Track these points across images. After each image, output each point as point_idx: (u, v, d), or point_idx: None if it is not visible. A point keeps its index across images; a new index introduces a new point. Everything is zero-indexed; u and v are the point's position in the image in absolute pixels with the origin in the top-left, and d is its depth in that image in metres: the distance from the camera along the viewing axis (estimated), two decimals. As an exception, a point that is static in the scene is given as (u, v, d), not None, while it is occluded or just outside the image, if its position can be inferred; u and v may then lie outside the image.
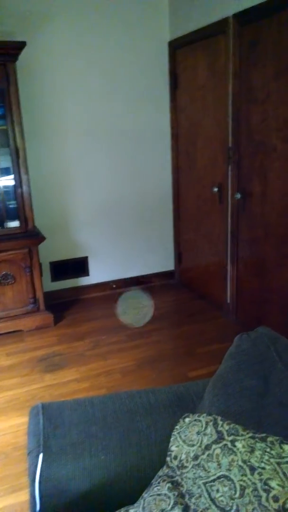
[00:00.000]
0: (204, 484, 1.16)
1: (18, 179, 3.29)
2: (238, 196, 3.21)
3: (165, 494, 1.21)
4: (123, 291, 4.23)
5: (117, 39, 3.73)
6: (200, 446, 1.23)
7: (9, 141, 3.21)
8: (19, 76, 3.16)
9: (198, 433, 1.27)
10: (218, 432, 1.22)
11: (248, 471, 1.09)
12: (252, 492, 1.05)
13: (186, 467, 1.24)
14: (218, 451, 1.17)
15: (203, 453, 1.21)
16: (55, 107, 3.67)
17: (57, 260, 4.00)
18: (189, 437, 1.29)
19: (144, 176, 4.12)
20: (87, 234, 4.04)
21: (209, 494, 1.14)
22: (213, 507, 1.11)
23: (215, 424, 1.24)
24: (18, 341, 3.36)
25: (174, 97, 3.96)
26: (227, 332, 3.37)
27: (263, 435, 1.15)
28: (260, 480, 1.06)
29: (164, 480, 1.26)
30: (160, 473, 1.31)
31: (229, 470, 1.12)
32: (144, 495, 1.25)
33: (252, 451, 1.11)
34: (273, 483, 1.04)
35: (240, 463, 1.11)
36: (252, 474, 1.08)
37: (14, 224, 3.39)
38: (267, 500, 1.02)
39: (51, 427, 1.37)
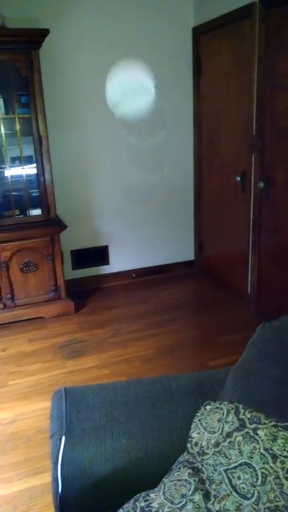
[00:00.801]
0: (225, 471, 1.17)
1: (41, 168, 3.31)
2: (262, 184, 3.16)
3: (186, 480, 1.22)
4: (143, 280, 4.24)
5: (141, 26, 3.68)
6: (221, 434, 1.24)
7: (32, 130, 3.23)
8: (42, 64, 3.17)
9: (219, 420, 1.27)
10: (240, 420, 1.21)
11: (270, 459, 1.08)
12: (274, 480, 1.05)
13: (207, 453, 1.25)
14: (239, 438, 1.17)
15: (224, 441, 1.21)
16: (78, 95, 3.66)
17: (78, 249, 4.03)
18: (210, 424, 1.29)
19: (166, 163, 4.09)
20: (108, 223, 4.05)
21: (230, 481, 1.14)
22: (234, 493, 1.12)
23: (237, 412, 1.24)
24: (40, 327, 3.41)
25: (198, 83, 3.90)
26: (247, 322, 3.35)
27: (286, 424, 1.14)
28: (282, 468, 1.06)
29: (184, 466, 1.27)
30: (180, 459, 1.32)
31: (250, 457, 1.12)
32: (165, 480, 1.26)
33: (274, 439, 1.11)
34: (295, 472, 1.03)
35: (262, 451, 1.11)
36: (274, 462, 1.07)
37: (37, 212, 3.43)
38: (289, 488, 1.02)
39: (74, 411, 1.39)
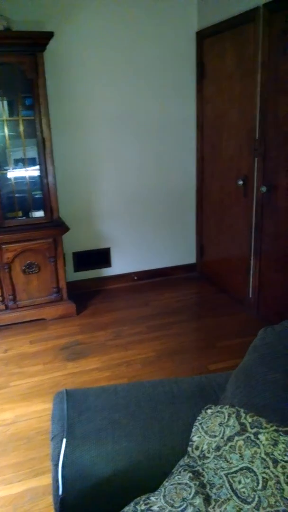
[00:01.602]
0: (226, 475, 1.17)
1: (44, 170, 3.33)
2: (264, 189, 3.17)
3: (186, 483, 1.22)
4: (144, 282, 4.24)
5: (145, 29, 3.70)
6: (222, 438, 1.24)
7: (35, 132, 3.25)
8: (46, 66, 3.18)
9: (220, 424, 1.27)
10: (241, 424, 1.22)
11: (271, 464, 1.09)
12: (274, 485, 1.06)
13: (207, 457, 1.25)
14: (240, 443, 1.18)
15: (225, 445, 1.21)
16: (81, 98, 3.68)
17: (80, 251, 4.04)
18: (211, 428, 1.29)
19: (169, 167, 4.11)
20: (110, 225, 4.06)
21: (230, 485, 1.15)
22: (235, 497, 1.12)
23: (238, 416, 1.24)
24: (42, 329, 3.42)
25: (201, 87, 3.92)
26: (248, 327, 3.35)
27: (287, 428, 1.15)
28: (283, 473, 1.06)
29: (185, 470, 1.27)
30: (181, 462, 1.32)
31: (251, 462, 1.13)
32: (165, 483, 1.26)
33: (275, 444, 1.11)
34: (296, 477, 1.04)
35: (263, 455, 1.11)
36: (275, 467, 1.08)
37: (39, 214, 3.44)
38: (290, 493, 1.02)
39: (75, 413, 1.40)
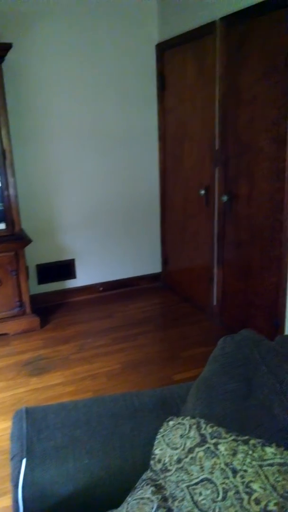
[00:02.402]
0: (187, 487, 1.16)
1: (5, 182, 3.27)
2: (225, 198, 3.23)
3: (148, 498, 1.21)
4: (109, 294, 4.22)
5: (106, 41, 3.73)
6: (183, 449, 1.24)
7: (-5, 143, 3.19)
8: (5, 77, 3.15)
9: (181, 436, 1.27)
10: (201, 435, 1.22)
11: (230, 474, 1.09)
12: (234, 495, 1.06)
13: (169, 470, 1.25)
14: (201, 454, 1.18)
15: (186, 456, 1.21)
16: (42, 109, 3.65)
17: (44, 263, 3.98)
18: (172, 440, 1.29)
19: (132, 178, 4.13)
20: (74, 237, 4.03)
21: (192, 497, 1.14)
22: (196, 510, 1.11)
23: (199, 427, 1.25)
24: (4, 344, 3.33)
25: (162, 98, 3.97)
26: (212, 335, 3.39)
27: (246, 437, 1.16)
28: (242, 483, 1.06)
29: (147, 484, 1.26)
30: (143, 476, 1.31)
31: (211, 473, 1.13)
32: (128, 498, 1.25)
33: (234, 453, 1.12)
34: (255, 486, 1.05)
35: (222, 466, 1.12)
36: (234, 477, 1.08)
37: (1, 226, 3.37)
38: (248, 502, 1.03)
39: (35, 431, 1.36)
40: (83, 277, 4.17)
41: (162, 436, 1.33)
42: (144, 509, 1.19)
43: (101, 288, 4.23)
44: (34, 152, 3.71)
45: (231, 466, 1.10)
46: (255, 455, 1.10)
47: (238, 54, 2.93)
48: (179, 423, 1.32)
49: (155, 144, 4.14)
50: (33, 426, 1.38)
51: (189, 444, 1.23)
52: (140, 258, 4.37)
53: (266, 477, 1.06)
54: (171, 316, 3.79)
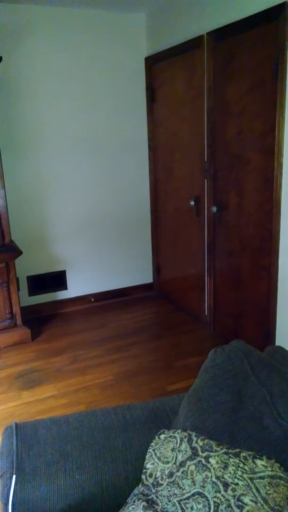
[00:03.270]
0: (179, 501, 1.16)
1: (-6, 193, 3.26)
2: (214, 209, 3.25)
3: (141, 513, 1.20)
4: (102, 304, 4.21)
5: (96, 54, 3.76)
6: (175, 463, 1.23)
7: (-15, 155, 3.19)
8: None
9: (173, 449, 1.27)
10: (192, 448, 1.22)
11: (221, 488, 1.09)
12: (225, 509, 1.06)
13: (161, 484, 1.24)
14: (192, 467, 1.17)
15: (177, 470, 1.21)
16: (33, 120, 3.66)
17: (34, 274, 3.96)
18: (164, 454, 1.28)
19: (123, 188, 4.14)
20: (65, 248, 4.03)
21: (184, 512, 1.13)
22: (188, 525, 1.11)
23: (190, 440, 1.24)
24: (-5, 357, 3.31)
25: (151, 110, 4.01)
26: (205, 345, 3.38)
27: (237, 450, 1.16)
28: (234, 496, 1.06)
29: (139, 499, 1.25)
30: (135, 491, 1.30)
31: (203, 487, 1.12)
32: (120, 514, 1.24)
33: (225, 467, 1.12)
34: (246, 499, 1.04)
35: (214, 479, 1.11)
36: (226, 490, 1.08)
37: (-9, 238, 3.36)
38: (240, 516, 1.02)
39: (25, 448, 1.35)
40: (75, 288, 4.15)
41: (154, 450, 1.33)
42: (136, 524, 1.18)
43: (92, 299, 4.22)
44: (25, 163, 3.72)
45: (222, 480, 1.10)
46: (246, 467, 1.10)
47: (226, 67, 2.97)
48: (170, 436, 1.31)
49: (145, 154, 4.17)
50: (23, 442, 1.37)
51: (180, 457, 1.22)
52: (132, 267, 4.37)
53: (257, 489, 1.06)
54: (164, 326, 3.78)
